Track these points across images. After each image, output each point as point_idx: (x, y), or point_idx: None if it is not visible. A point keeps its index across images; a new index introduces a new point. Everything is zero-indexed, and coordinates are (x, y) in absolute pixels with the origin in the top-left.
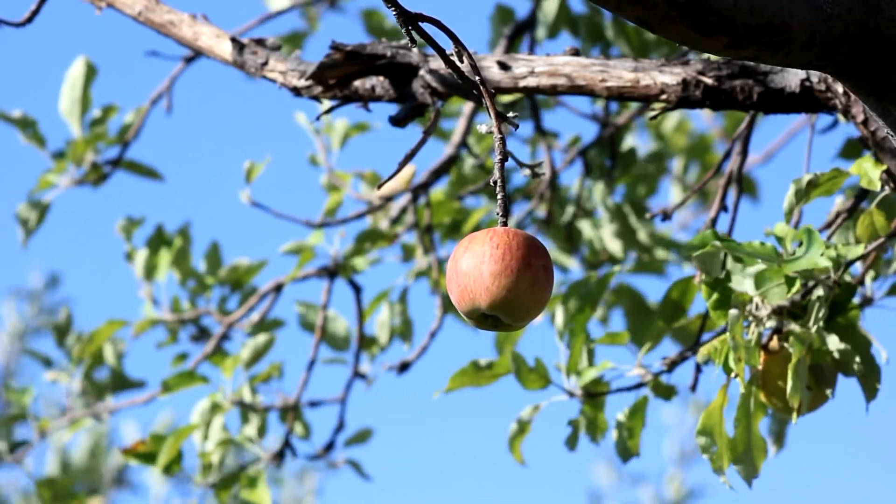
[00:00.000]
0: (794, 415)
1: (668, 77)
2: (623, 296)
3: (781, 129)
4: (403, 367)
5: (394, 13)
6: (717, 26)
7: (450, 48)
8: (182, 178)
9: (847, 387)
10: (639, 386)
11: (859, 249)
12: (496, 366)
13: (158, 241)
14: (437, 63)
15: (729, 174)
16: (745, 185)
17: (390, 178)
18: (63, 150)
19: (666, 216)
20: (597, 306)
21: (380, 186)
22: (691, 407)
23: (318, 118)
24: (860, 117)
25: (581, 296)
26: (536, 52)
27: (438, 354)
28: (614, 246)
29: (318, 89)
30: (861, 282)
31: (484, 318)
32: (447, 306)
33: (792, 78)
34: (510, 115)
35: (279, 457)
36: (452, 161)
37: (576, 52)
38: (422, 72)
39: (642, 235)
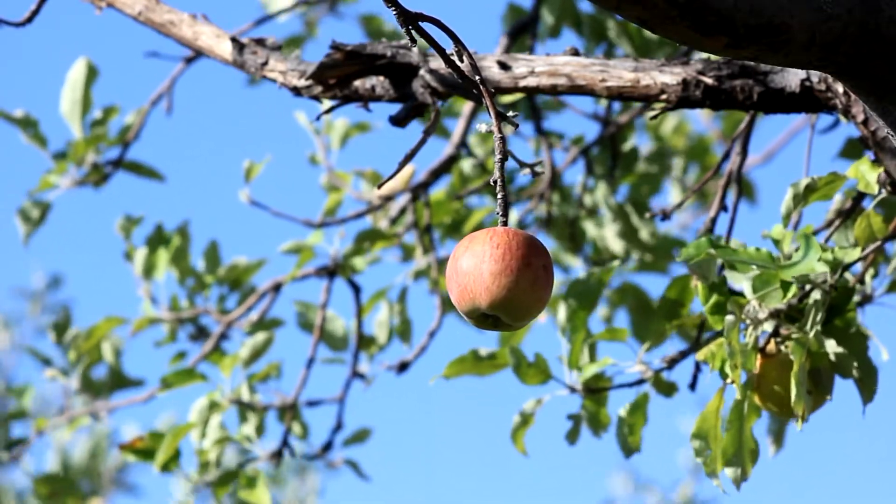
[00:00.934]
0: (799, 422)
1: (668, 77)
2: (627, 295)
3: (781, 130)
4: (403, 366)
5: (394, 13)
6: (717, 26)
7: (450, 48)
8: (182, 178)
9: (844, 389)
10: (639, 382)
11: (856, 253)
12: (497, 356)
13: (157, 239)
14: (437, 63)
15: (728, 174)
16: (743, 186)
17: (390, 177)
18: (64, 150)
19: (665, 216)
20: (597, 302)
21: (380, 186)
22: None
23: (318, 118)
24: (860, 117)
25: (581, 292)
26: (537, 51)
27: (438, 354)
28: (616, 245)
29: (318, 89)
30: (860, 281)
31: (484, 318)
32: (447, 306)
33: (792, 78)
34: (510, 114)
35: (277, 456)
36: (452, 161)
37: (576, 52)
38: (422, 72)
39: (644, 235)
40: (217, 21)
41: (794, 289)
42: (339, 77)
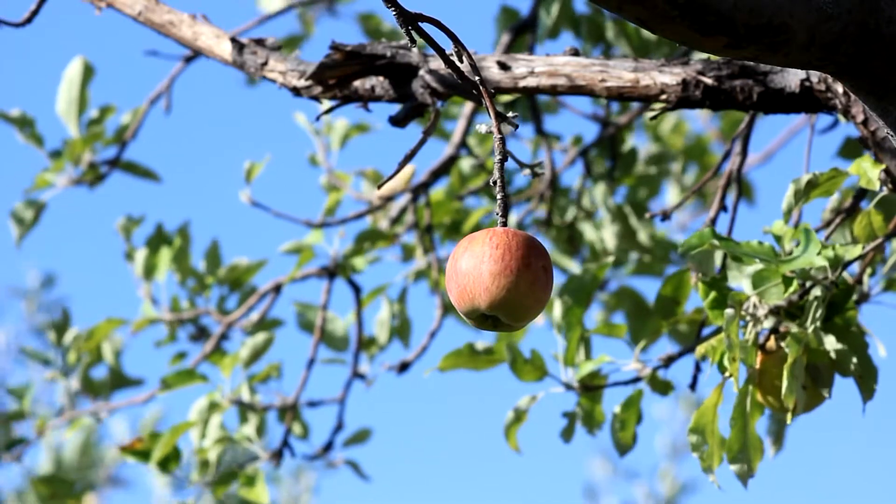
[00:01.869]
0: (789, 415)
1: (667, 77)
2: (624, 298)
3: (781, 129)
4: (403, 367)
5: (393, 13)
6: (716, 26)
7: (449, 48)
8: (181, 179)
9: (844, 387)
10: (635, 380)
11: (857, 250)
12: (494, 351)
13: (158, 240)
14: (436, 63)
15: (728, 174)
16: (742, 186)
17: (390, 177)
18: (60, 149)
19: (665, 216)
20: (592, 298)
21: (380, 186)
22: (682, 402)
23: (317, 118)
24: (860, 117)
25: (576, 289)
26: (536, 52)
27: (438, 355)
28: (615, 246)
29: (317, 89)
30: (859, 281)
31: (483, 319)
32: (447, 306)
33: (792, 78)
34: (510, 115)
35: (278, 456)
36: (452, 161)
37: (575, 52)
38: (421, 72)
39: (643, 236)
40: (216, 22)
41: (794, 285)
42: (338, 77)
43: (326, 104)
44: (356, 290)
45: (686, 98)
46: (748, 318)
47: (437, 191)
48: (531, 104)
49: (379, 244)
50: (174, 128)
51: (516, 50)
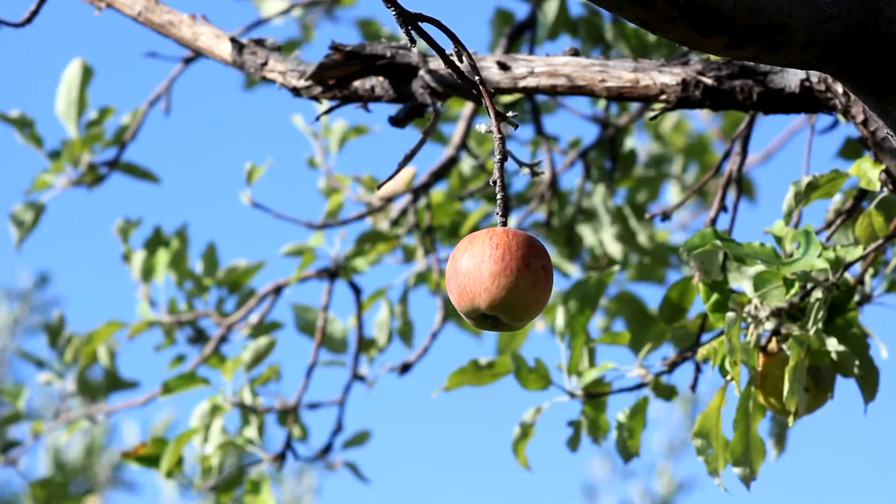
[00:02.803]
0: (791, 417)
1: (667, 77)
2: (625, 304)
3: (781, 129)
4: (404, 368)
5: (393, 13)
6: (716, 26)
7: (449, 48)
8: (180, 180)
9: (846, 389)
10: (639, 386)
11: (858, 251)
12: (496, 365)
13: (156, 242)
14: (436, 63)
15: (728, 174)
16: (743, 186)
17: (390, 178)
18: (59, 150)
19: (665, 217)
20: (597, 306)
21: (379, 187)
22: (679, 401)
23: (317, 119)
24: (860, 117)
25: (580, 297)
26: (536, 52)
27: (439, 356)
28: (615, 249)
29: (317, 90)
30: (860, 282)
31: (483, 318)
32: (448, 308)
33: (792, 78)
34: (510, 115)
35: (280, 458)
36: (452, 162)
37: (575, 53)
38: (421, 72)
39: (643, 238)
40: (216, 23)
41: (795, 287)
42: (338, 77)
43: (326, 104)
44: (357, 291)
45: (686, 98)
46: (749, 320)
47: (438, 192)
48: (531, 106)
49: (379, 247)
50: (173, 129)
51: (513, 51)
